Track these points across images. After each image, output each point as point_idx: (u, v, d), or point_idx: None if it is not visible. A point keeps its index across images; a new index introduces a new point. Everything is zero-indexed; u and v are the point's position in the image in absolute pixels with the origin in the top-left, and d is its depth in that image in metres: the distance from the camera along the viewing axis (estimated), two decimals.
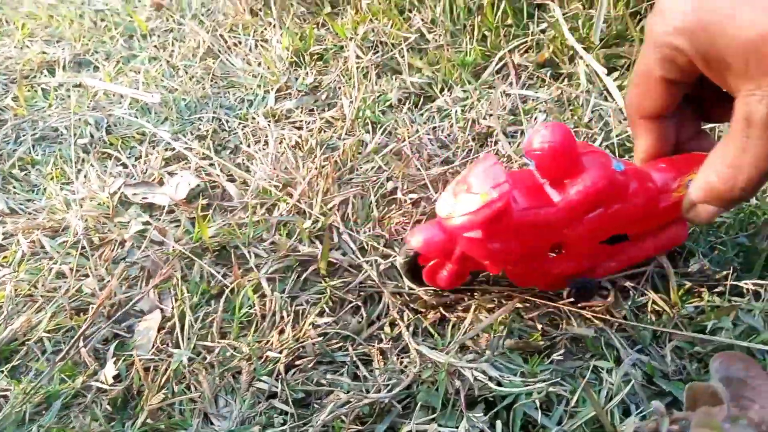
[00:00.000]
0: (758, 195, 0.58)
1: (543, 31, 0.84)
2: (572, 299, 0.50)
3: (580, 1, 0.83)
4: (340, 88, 0.82)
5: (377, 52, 0.87)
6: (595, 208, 0.45)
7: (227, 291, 0.53)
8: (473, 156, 0.68)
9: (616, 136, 0.67)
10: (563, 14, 0.82)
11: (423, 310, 0.52)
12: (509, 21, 0.86)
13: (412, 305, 0.52)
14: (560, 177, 0.45)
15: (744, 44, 0.32)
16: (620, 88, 0.75)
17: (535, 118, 0.72)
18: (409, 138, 0.69)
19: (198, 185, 0.66)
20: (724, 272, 0.50)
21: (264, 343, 0.49)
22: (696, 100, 0.45)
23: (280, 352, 0.48)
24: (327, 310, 0.52)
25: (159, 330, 0.51)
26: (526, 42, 0.83)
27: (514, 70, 0.80)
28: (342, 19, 0.95)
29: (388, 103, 0.78)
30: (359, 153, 0.70)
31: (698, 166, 0.49)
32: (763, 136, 0.34)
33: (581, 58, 0.78)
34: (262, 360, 0.48)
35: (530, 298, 0.51)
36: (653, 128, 0.45)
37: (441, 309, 0.52)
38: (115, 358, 0.50)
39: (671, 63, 0.38)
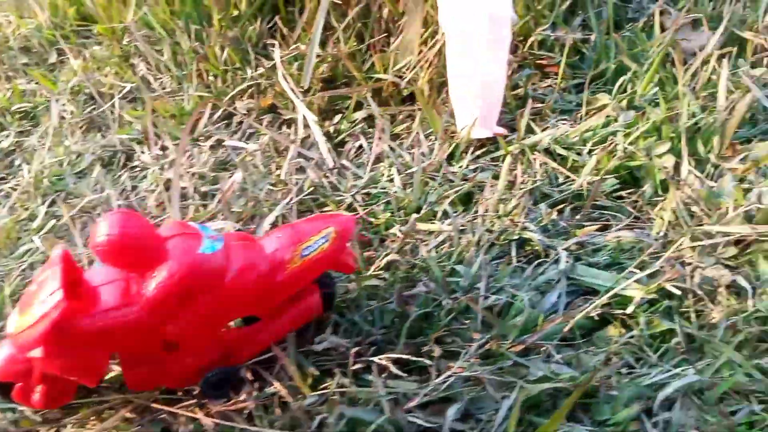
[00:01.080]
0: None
1: (271, 73, 0.79)
2: (207, 397, 0.44)
3: (303, 42, 0.79)
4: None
5: (93, 105, 0.79)
6: (185, 299, 0.40)
7: None
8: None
9: (309, 190, 0.62)
10: (284, 56, 0.78)
11: (29, 428, 0.44)
12: (238, 64, 0.80)
13: (20, 423, 0.44)
14: (138, 270, 0.39)
15: None
16: (339, 132, 0.72)
17: (235, 175, 0.66)
18: (71, 213, 0.61)
19: None
20: (360, 348, 0.46)
21: None
22: None
23: None
24: None
25: None
26: (252, 86, 0.78)
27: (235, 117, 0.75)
28: (64, 68, 0.86)
29: (84, 166, 0.70)
30: (25, 230, 0.61)
31: (317, 233, 0.45)
32: None
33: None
34: None
35: (146, 404, 0.45)
36: None
37: (44, 427, 0.44)
38: None
39: None
